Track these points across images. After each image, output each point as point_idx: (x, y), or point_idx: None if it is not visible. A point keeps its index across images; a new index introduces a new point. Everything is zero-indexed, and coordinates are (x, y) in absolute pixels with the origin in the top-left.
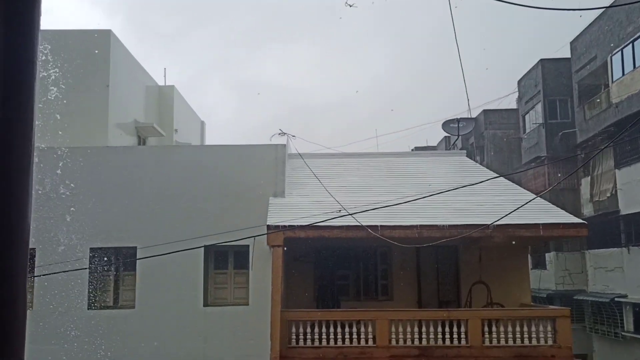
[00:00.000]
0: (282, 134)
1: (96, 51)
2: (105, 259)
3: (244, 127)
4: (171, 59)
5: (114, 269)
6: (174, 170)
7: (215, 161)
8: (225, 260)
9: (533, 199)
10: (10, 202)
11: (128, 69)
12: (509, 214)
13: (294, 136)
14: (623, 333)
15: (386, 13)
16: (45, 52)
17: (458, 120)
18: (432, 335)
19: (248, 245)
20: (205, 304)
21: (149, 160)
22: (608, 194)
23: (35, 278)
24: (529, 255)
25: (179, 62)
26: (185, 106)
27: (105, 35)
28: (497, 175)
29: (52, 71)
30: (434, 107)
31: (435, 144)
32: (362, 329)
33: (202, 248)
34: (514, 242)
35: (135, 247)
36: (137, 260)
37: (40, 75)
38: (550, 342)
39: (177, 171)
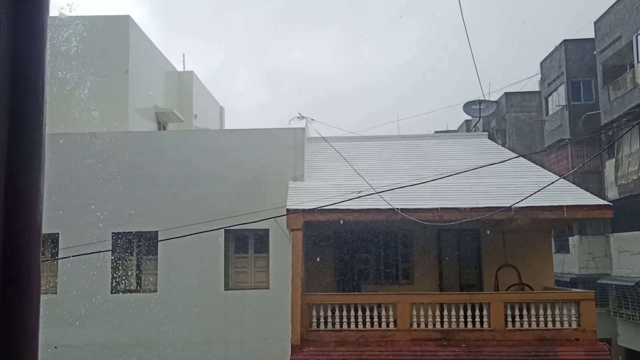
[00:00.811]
0: (301, 117)
1: (115, 37)
2: (127, 243)
3: (271, 113)
4: (200, 46)
5: (136, 253)
6: (194, 155)
7: (235, 145)
8: (246, 244)
9: (556, 180)
10: (22, 191)
11: (147, 55)
12: (532, 195)
13: (312, 120)
14: None
15: None
16: (65, 38)
17: (480, 102)
18: (453, 319)
19: (268, 229)
20: (227, 288)
21: (169, 145)
22: (634, 177)
23: (59, 263)
24: (552, 239)
25: (207, 49)
26: (205, 92)
27: (124, 21)
28: (517, 155)
29: (72, 57)
30: (456, 92)
31: (455, 128)
32: (383, 313)
33: (223, 232)
34: (537, 224)
35: (157, 232)
36: (159, 245)
37: (61, 62)
38: (574, 325)
39: (197, 156)
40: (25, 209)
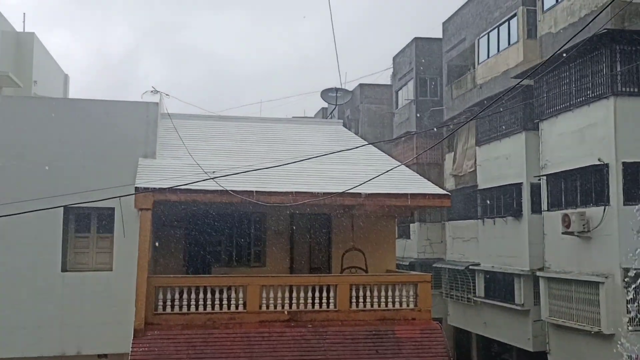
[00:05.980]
0: (155, 92)
1: None
2: None
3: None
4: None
5: None
6: (32, 124)
7: (80, 116)
8: (88, 223)
9: (397, 166)
10: None
11: None
12: (373, 178)
13: (167, 95)
14: (474, 298)
15: None
16: None
17: (336, 89)
18: (302, 301)
19: (113, 208)
20: (64, 269)
21: (3, 111)
22: (469, 169)
23: None
24: (396, 225)
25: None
26: (48, 57)
27: None
28: (368, 143)
29: None
30: (314, 79)
31: (312, 115)
32: (233, 295)
33: (62, 210)
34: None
35: None
36: None
37: None
38: (411, 305)
39: (35, 125)
40: None
